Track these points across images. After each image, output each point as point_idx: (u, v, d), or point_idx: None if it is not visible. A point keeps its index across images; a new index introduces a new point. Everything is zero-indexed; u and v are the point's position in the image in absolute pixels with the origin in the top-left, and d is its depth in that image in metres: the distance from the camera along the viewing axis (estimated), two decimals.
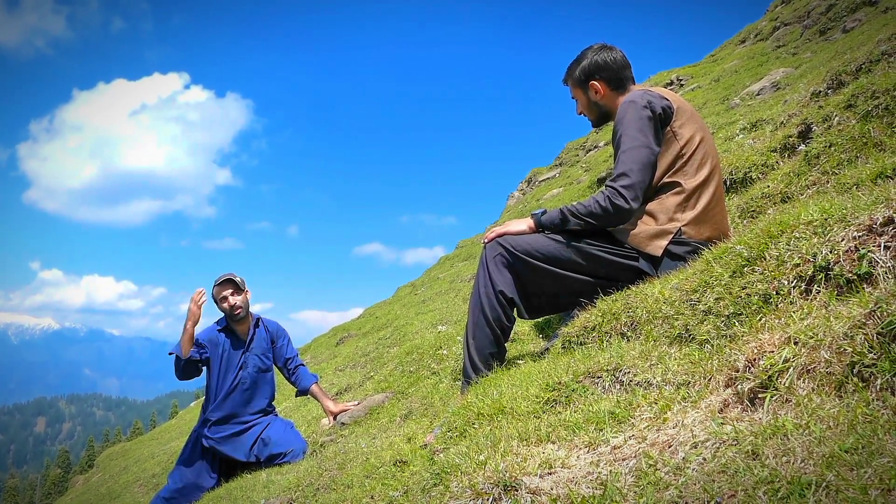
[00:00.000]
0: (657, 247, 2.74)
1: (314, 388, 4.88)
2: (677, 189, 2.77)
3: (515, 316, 2.98)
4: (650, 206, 2.81)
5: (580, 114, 3.17)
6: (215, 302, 4.69)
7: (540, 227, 2.91)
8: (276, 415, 4.92)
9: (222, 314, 4.74)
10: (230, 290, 4.68)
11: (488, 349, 2.88)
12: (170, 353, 4.54)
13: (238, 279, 4.71)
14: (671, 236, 2.73)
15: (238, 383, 4.68)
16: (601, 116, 3.12)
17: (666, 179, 2.80)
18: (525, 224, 2.95)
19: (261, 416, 4.77)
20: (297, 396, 5.39)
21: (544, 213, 2.92)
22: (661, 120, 2.79)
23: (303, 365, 5.01)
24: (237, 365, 4.70)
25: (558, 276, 2.84)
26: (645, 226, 2.78)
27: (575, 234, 2.86)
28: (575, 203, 2.84)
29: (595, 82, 3.01)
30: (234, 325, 4.73)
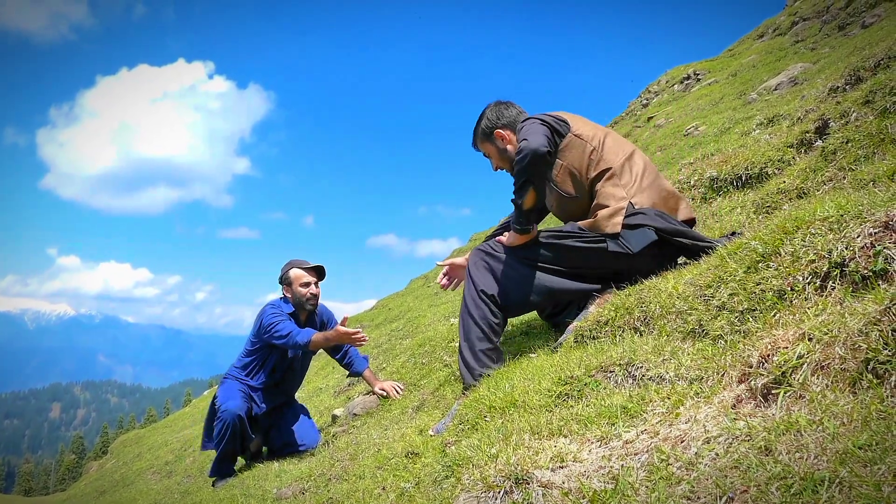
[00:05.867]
0: (615, 224, 2.89)
1: (367, 373, 4.84)
2: (608, 174, 2.97)
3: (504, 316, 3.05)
4: (597, 200, 2.98)
5: (496, 169, 3.32)
6: (287, 283, 4.66)
7: (514, 225, 3.01)
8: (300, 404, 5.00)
9: (289, 296, 4.68)
10: (316, 279, 4.68)
11: (478, 347, 2.98)
12: (302, 344, 4.42)
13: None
14: (624, 211, 2.89)
15: (293, 364, 4.81)
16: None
17: (593, 173, 2.99)
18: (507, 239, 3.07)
19: (289, 400, 4.93)
20: (348, 377, 5.45)
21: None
22: (556, 130, 2.99)
23: (355, 347, 4.98)
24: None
25: (535, 274, 2.98)
26: (601, 211, 2.94)
27: (552, 245, 2.99)
28: None
29: (500, 131, 3.20)
30: (300, 312, 4.70)
